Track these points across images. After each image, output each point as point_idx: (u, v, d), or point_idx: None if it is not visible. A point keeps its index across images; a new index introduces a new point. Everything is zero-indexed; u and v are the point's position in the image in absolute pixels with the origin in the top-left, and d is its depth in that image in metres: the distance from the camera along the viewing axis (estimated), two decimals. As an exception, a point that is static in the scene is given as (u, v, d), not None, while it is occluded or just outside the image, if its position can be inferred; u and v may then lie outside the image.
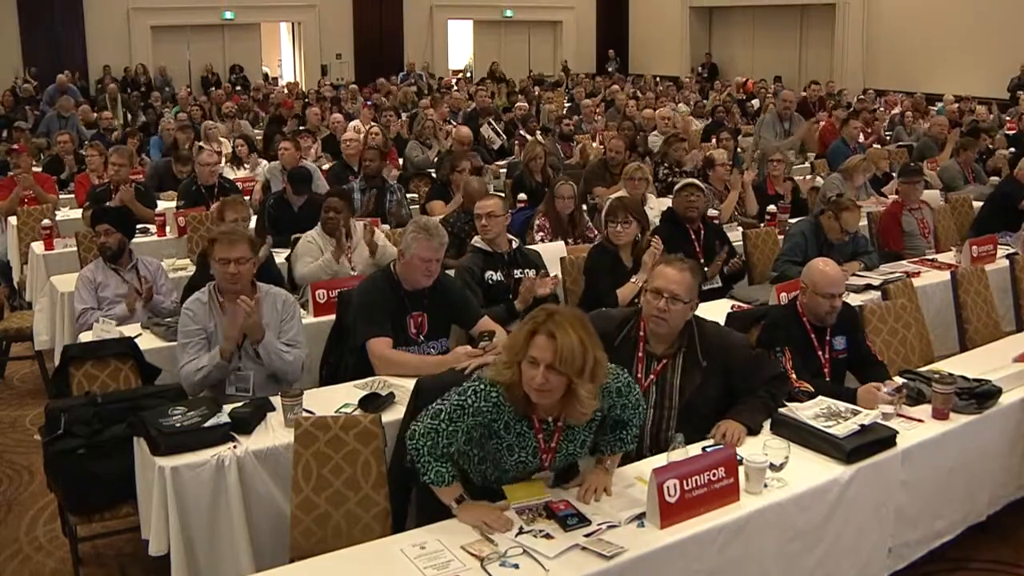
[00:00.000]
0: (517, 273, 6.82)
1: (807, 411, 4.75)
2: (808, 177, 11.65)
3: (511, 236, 7.09)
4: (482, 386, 3.89)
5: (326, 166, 11.90)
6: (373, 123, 13.92)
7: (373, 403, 5.04)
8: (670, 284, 4.69)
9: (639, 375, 4.74)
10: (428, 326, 5.77)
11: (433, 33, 30.58)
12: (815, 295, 5.52)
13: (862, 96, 21.34)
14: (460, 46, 32.00)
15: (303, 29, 29.17)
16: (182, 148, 12.77)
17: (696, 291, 4.80)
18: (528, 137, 13.90)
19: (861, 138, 14.20)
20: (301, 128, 14.83)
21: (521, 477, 4.07)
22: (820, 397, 4.94)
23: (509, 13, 31.95)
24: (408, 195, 10.65)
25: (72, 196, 11.24)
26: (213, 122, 15.53)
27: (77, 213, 10.48)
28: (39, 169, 11.90)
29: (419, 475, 3.93)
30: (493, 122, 15.36)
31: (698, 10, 31.32)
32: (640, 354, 4.79)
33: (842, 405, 4.83)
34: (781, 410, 4.77)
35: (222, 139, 14.21)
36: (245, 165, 12.78)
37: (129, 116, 19.80)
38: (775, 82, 23.49)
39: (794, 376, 5.31)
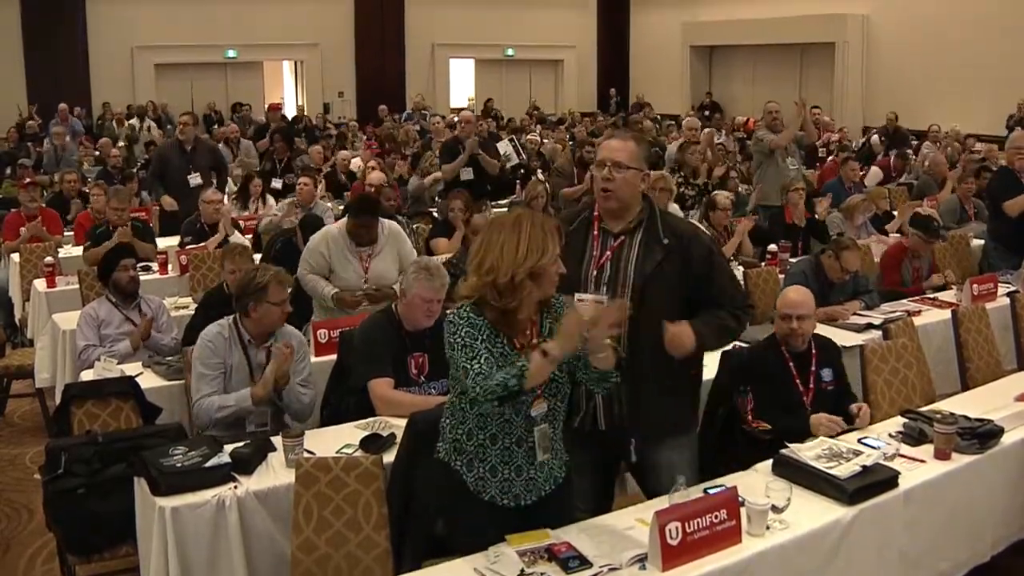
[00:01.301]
0: None
1: (808, 452, 4.73)
2: (823, 200, 11.55)
3: None
4: (457, 315, 3.88)
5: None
6: (374, 160, 13.84)
7: (374, 444, 5.02)
8: (612, 152, 4.53)
9: (595, 252, 4.57)
10: (429, 367, 5.73)
11: (435, 72, 30.70)
12: (778, 317, 5.69)
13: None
14: (462, 84, 32.08)
15: (305, 67, 29.31)
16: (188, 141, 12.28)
17: (643, 160, 4.60)
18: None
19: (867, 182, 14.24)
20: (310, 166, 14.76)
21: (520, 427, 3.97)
22: (821, 438, 4.93)
23: (511, 52, 32.06)
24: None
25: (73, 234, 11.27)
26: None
27: (79, 251, 10.48)
28: (42, 204, 11.85)
29: (515, 398, 3.77)
30: (516, 139, 15.28)
31: (698, 49, 31.43)
32: (595, 232, 4.61)
33: (843, 445, 4.82)
34: (783, 451, 4.76)
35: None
36: (251, 207, 12.34)
37: (130, 146, 19.74)
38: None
39: (750, 417, 5.38)
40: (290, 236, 9.24)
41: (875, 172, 15.69)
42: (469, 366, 3.77)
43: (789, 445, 4.82)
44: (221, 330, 5.76)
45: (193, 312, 7.57)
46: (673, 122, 24.67)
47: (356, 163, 14.91)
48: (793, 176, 11.49)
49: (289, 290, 5.85)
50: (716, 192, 10.73)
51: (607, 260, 4.56)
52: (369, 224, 7.42)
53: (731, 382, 5.57)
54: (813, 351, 5.71)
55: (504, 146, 14.29)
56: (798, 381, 5.61)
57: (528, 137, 17.01)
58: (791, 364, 5.64)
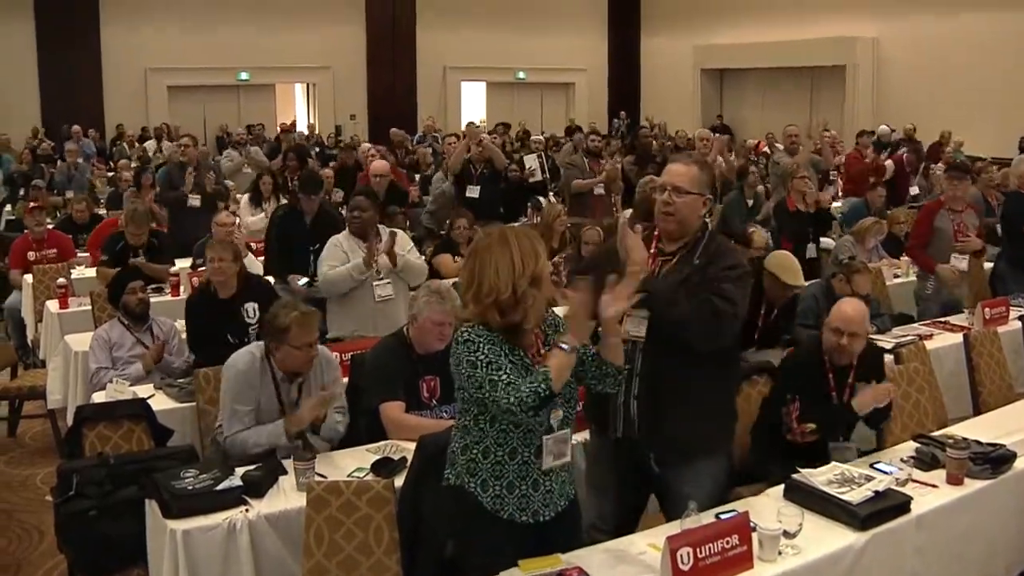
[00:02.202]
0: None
1: (820, 477, 4.71)
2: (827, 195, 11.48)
3: None
4: (474, 332, 3.89)
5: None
6: (374, 149, 13.70)
7: (386, 468, 5.02)
8: (674, 177, 4.66)
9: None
10: (441, 390, 5.72)
11: (446, 94, 30.80)
12: (827, 329, 5.59)
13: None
14: (473, 107, 32.13)
15: (317, 90, 29.43)
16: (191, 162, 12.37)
17: (705, 185, 4.70)
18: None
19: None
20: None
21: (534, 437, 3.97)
22: (833, 463, 4.91)
23: (522, 75, 32.15)
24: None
25: (87, 255, 11.27)
26: (229, 151, 15.25)
27: (92, 272, 10.49)
28: (51, 225, 11.85)
29: (548, 403, 3.80)
30: (543, 156, 15.25)
31: (709, 72, 31.47)
32: (652, 250, 4.71)
33: (855, 471, 4.79)
34: (795, 476, 4.74)
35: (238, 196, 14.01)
36: (265, 205, 12.17)
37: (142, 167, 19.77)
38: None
39: (795, 425, 5.34)
40: (293, 204, 9.44)
41: (889, 165, 15.51)
42: (497, 378, 3.78)
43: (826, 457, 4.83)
44: (252, 359, 5.60)
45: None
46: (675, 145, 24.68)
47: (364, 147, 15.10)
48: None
49: (316, 332, 5.63)
50: (754, 230, 10.60)
51: (651, 277, 4.62)
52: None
53: (777, 391, 5.54)
54: (853, 363, 5.65)
55: (531, 160, 14.26)
56: (834, 393, 5.57)
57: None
58: (830, 376, 5.57)
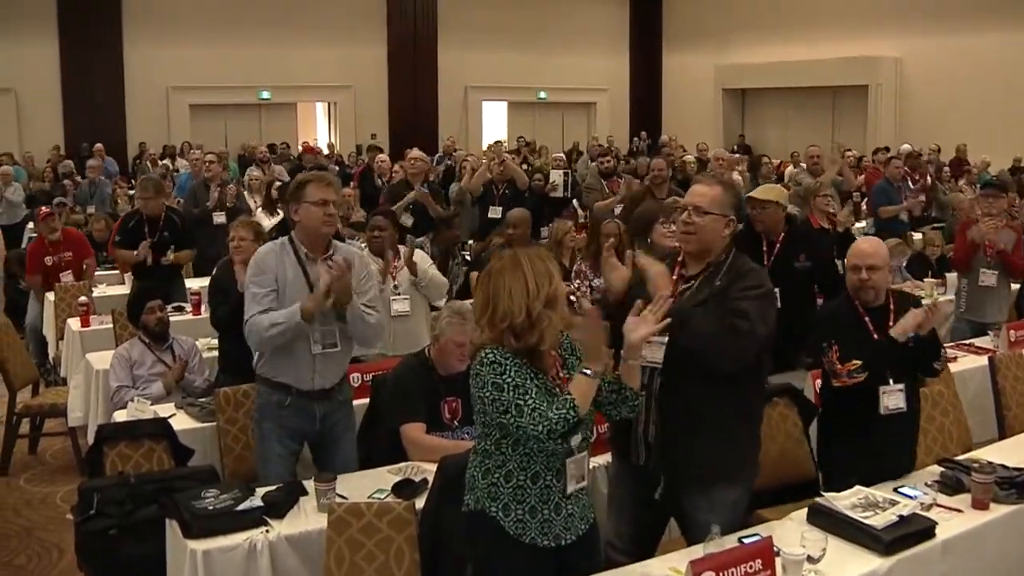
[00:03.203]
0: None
1: (844, 501, 4.68)
2: (845, 211, 11.43)
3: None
4: (498, 355, 3.88)
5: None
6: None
7: (407, 489, 5.01)
8: (694, 198, 4.65)
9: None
10: (463, 411, 5.72)
11: (468, 114, 30.90)
12: (848, 270, 5.49)
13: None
14: (494, 127, 32.12)
15: (339, 109, 29.55)
16: (215, 180, 12.43)
17: (728, 206, 4.65)
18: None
19: (909, 181, 14.03)
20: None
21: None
22: (857, 487, 4.87)
23: (543, 95, 32.24)
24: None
25: (110, 272, 11.30)
26: (254, 170, 15.24)
27: (114, 290, 10.54)
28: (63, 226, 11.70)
29: (576, 429, 3.82)
30: (568, 174, 15.25)
31: (731, 92, 31.53)
32: (675, 275, 4.70)
33: (879, 495, 4.75)
34: (819, 500, 4.71)
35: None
36: (279, 211, 12.16)
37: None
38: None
39: (839, 366, 5.24)
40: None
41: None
42: (524, 403, 3.78)
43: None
44: (273, 247, 5.56)
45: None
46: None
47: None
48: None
49: (333, 193, 5.49)
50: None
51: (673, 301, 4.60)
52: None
53: (814, 342, 5.42)
54: (891, 306, 5.46)
55: (556, 175, 14.24)
56: (876, 337, 5.37)
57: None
58: (867, 319, 5.42)
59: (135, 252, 9.69)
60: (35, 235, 13.14)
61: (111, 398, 7.12)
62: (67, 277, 10.53)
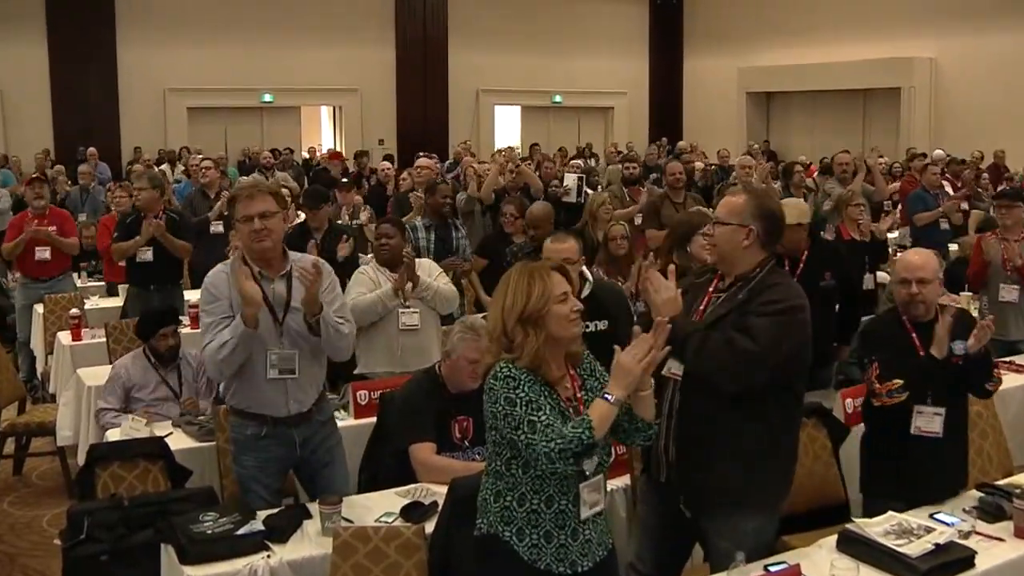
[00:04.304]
0: (588, 327, 6.53)
1: (876, 528, 4.65)
2: (887, 217, 11.39)
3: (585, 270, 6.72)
4: (513, 369, 3.90)
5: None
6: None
7: (416, 512, 5.01)
8: (717, 208, 4.74)
9: (700, 307, 4.70)
10: (474, 431, 5.71)
11: (479, 119, 30.92)
12: (896, 284, 5.45)
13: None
14: (507, 132, 32.10)
15: (344, 113, 29.58)
16: (213, 187, 12.38)
17: (750, 215, 4.60)
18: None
19: (949, 189, 14.03)
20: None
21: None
22: (890, 513, 4.84)
23: (558, 99, 32.26)
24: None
25: (103, 284, 11.30)
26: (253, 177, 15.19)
27: (106, 303, 10.53)
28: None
29: (589, 452, 3.80)
30: (582, 178, 15.25)
31: (755, 95, 31.51)
32: (711, 288, 4.73)
33: (914, 521, 4.72)
34: (849, 526, 4.69)
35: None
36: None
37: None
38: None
39: (878, 385, 5.21)
40: (303, 222, 9.71)
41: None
42: (537, 419, 3.79)
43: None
44: (224, 267, 5.34)
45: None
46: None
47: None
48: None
49: (263, 205, 5.19)
50: None
51: (699, 315, 4.65)
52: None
53: (862, 351, 5.43)
54: (938, 318, 5.36)
55: (570, 180, 14.21)
56: (923, 354, 5.30)
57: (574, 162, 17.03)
58: (914, 335, 5.37)
59: (136, 239, 9.53)
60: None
61: (96, 417, 7.11)
62: (44, 254, 10.52)
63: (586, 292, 6.25)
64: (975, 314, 9.50)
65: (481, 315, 7.85)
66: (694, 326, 4.51)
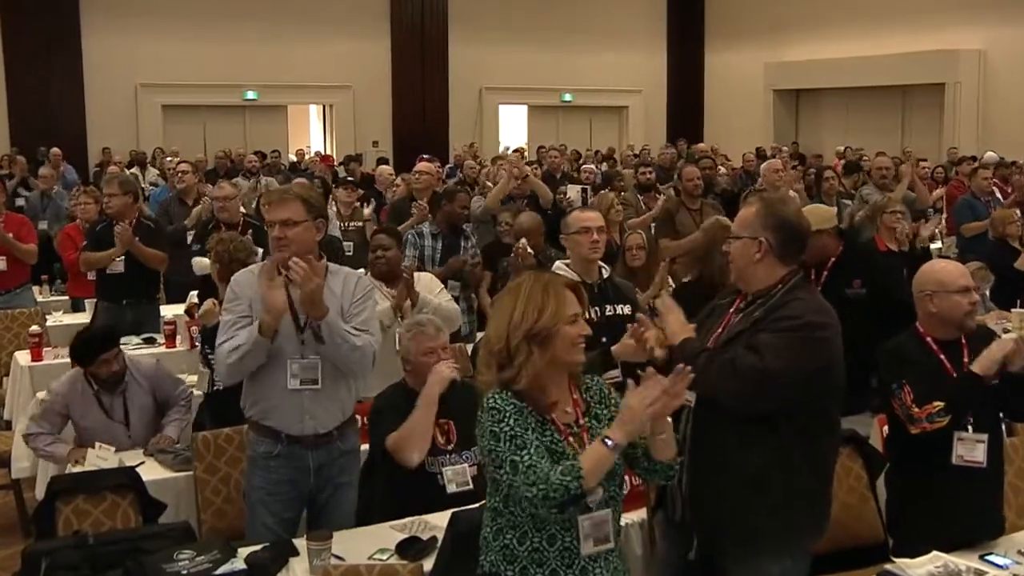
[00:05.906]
0: (608, 310, 6.51)
1: (919, 569, 4.62)
2: (927, 224, 11.40)
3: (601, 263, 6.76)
4: (500, 399, 3.88)
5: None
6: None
7: (413, 549, 5.00)
8: (733, 223, 4.79)
9: (719, 329, 4.68)
10: (458, 433, 5.78)
11: (482, 118, 30.95)
12: (949, 296, 5.25)
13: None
14: (513, 133, 32.12)
15: (335, 113, 29.64)
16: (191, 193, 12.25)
17: (760, 226, 4.59)
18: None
19: (998, 194, 13.97)
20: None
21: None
22: (935, 553, 4.81)
23: (568, 98, 32.29)
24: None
25: (66, 299, 11.23)
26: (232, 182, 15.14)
27: (71, 319, 10.45)
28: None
29: (575, 503, 3.76)
30: (588, 189, 15.31)
31: (783, 93, 31.53)
32: (733, 308, 4.73)
33: (962, 563, 4.69)
34: (889, 567, 4.66)
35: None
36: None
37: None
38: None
39: (916, 409, 5.09)
40: None
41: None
42: (519, 459, 3.76)
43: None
44: (252, 269, 5.57)
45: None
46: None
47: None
48: None
49: (286, 212, 5.31)
50: None
51: (717, 335, 4.65)
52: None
53: (887, 376, 5.31)
54: (962, 340, 5.34)
55: (574, 191, 14.24)
56: (953, 372, 5.24)
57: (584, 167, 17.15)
58: (942, 356, 5.29)
59: (111, 250, 9.46)
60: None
61: (24, 439, 7.06)
62: (0, 264, 10.47)
63: (605, 275, 6.60)
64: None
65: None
66: (701, 346, 4.51)
